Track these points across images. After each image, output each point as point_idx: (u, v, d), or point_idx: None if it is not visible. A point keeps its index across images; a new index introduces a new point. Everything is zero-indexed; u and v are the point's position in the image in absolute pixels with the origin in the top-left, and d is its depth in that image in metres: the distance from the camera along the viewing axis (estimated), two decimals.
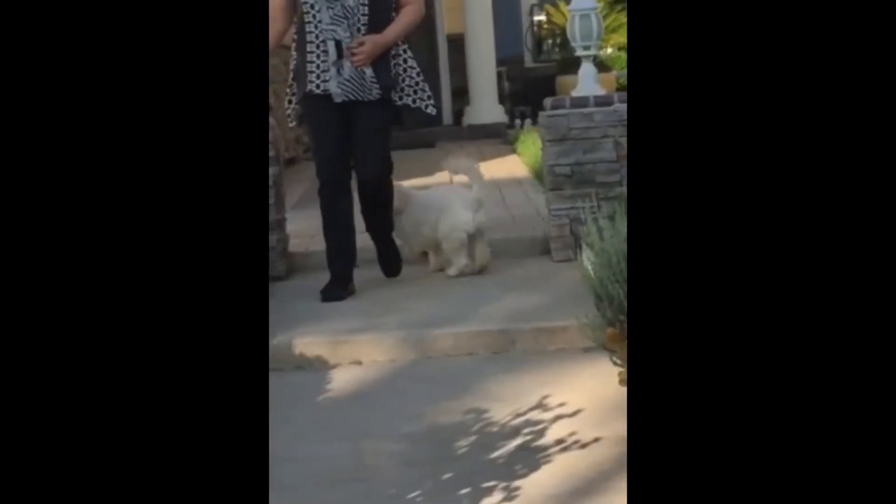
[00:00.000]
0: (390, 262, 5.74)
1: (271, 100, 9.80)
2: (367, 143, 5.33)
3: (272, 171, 5.91)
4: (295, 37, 5.42)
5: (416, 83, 5.41)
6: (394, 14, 5.34)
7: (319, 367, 4.64)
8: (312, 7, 5.24)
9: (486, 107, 12.41)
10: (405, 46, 5.41)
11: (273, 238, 5.87)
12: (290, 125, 5.76)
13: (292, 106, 5.50)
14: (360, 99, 5.25)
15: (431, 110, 5.51)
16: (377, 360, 4.66)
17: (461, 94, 12.84)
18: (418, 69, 5.43)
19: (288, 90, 5.51)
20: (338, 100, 5.25)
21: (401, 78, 5.38)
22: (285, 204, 6.29)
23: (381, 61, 5.28)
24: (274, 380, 4.48)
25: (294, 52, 5.44)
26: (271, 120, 6.16)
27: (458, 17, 12.71)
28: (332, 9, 5.21)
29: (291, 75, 5.46)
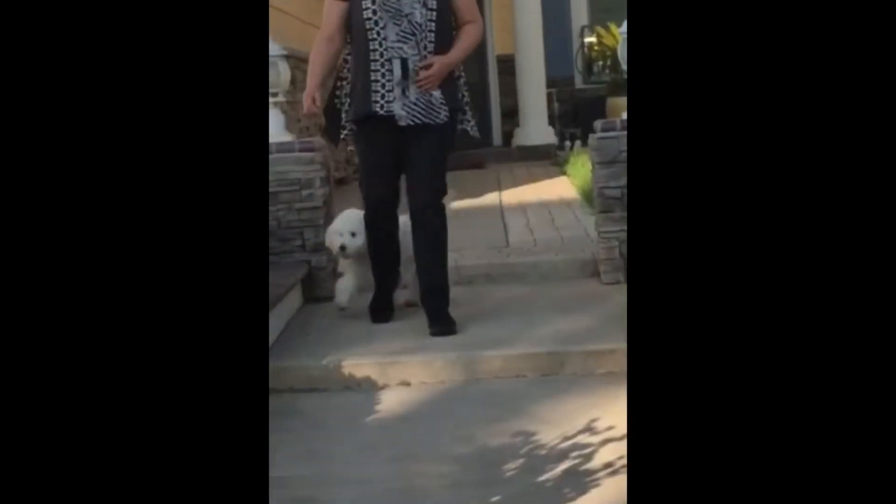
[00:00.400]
0: (438, 318, 5.10)
1: (323, 120, 9.89)
2: (428, 168, 5.02)
3: (322, 192, 5.95)
4: (348, 56, 5.13)
5: (467, 105, 5.21)
6: (454, 32, 5.09)
7: (368, 387, 4.64)
8: (376, 24, 4.92)
9: (536, 128, 12.43)
10: (462, 68, 5.18)
11: (322, 258, 5.89)
12: (348, 147, 5.46)
13: (347, 129, 5.17)
14: (427, 122, 4.96)
15: (475, 133, 5.25)
16: (426, 382, 4.66)
17: (511, 116, 12.88)
18: (468, 96, 5.22)
19: (344, 113, 5.16)
20: (403, 123, 4.94)
21: (464, 108, 5.15)
22: None
23: (449, 83, 5.03)
24: (322, 400, 4.54)
25: (346, 72, 5.14)
26: (321, 141, 6.21)
27: (509, 38, 12.74)
28: (399, 25, 4.90)
29: (346, 95, 5.14)
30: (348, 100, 5.11)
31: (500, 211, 8.15)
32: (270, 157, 5.74)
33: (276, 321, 5.14)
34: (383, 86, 4.94)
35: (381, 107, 4.94)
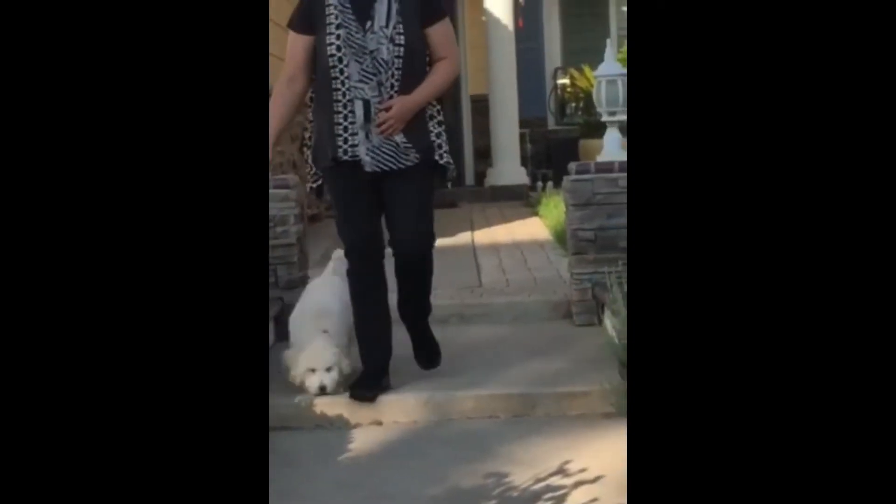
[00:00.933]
0: (429, 353, 5.02)
1: (295, 157, 9.90)
2: (405, 212, 4.62)
3: (296, 229, 5.95)
4: (312, 95, 4.73)
5: (440, 146, 4.70)
6: (428, 69, 4.65)
7: (340, 426, 4.62)
8: (340, 61, 4.49)
9: (509, 168, 12.46)
10: (439, 107, 4.72)
11: (296, 295, 5.87)
12: (308, 193, 5.01)
13: (312, 174, 4.79)
14: (395, 167, 4.56)
15: (450, 174, 4.76)
16: (398, 421, 4.65)
17: (484, 156, 12.90)
18: (445, 136, 4.73)
19: (308, 162, 4.84)
20: (368, 168, 4.53)
21: (436, 143, 4.67)
22: (308, 261, 6.31)
23: (417, 123, 4.59)
24: (294, 439, 4.51)
25: (311, 115, 4.76)
26: (295, 177, 6.21)
27: (483, 78, 12.78)
28: (361, 63, 4.48)
29: (310, 141, 4.79)
30: (311, 144, 4.76)
31: (472, 251, 8.16)
32: None
33: None
34: (346, 129, 4.53)
35: (345, 151, 4.54)
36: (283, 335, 5.82)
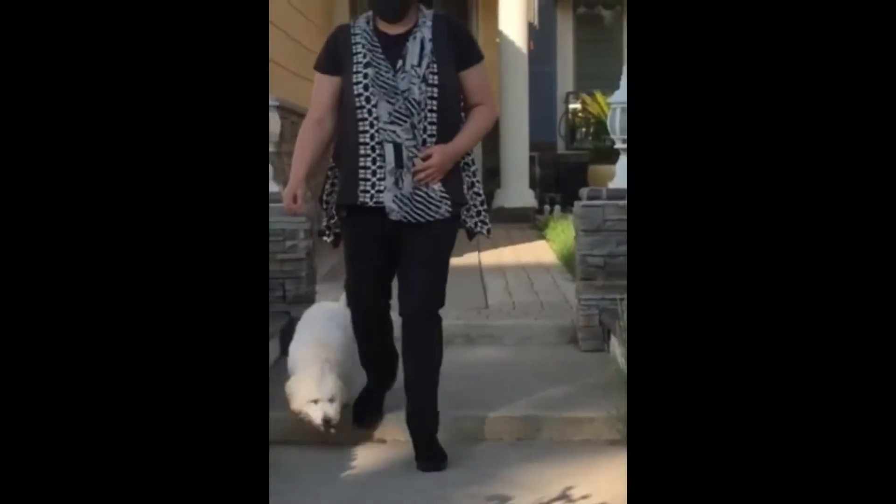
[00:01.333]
0: (427, 448, 4.41)
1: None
2: (423, 270, 4.32)
3: (305, 244, 5.95)
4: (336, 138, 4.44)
5: (477, 200, 4.48)
6: (462, 114, 4.39)
7: (342, 443, 4.62)
8: (368, 101, 4.20)
9: (517, 191, 12.48)
10: (472, 157, 4.45)
11: (303, 310, 5.86)
12: (327, 240, 4.62)
13: (332, 221, 4.50)
14: (424, 219, 4.24)
15: (486, 231, 4.53)
16: (401, 440, 4.64)
17: (492, 177, 12.92)
18: (480, 186, 4.51)
19: (324, 206, 4.53)
20: (394, 217, 4.20)
21: (466, 195, 4.40)
22: (316, 276, 6.32)
23: (453, 173, 4.31)
24: (296, 454, 4.49)
25: (331, 160, 4.48)
26: (306, 192, 6.21)
27: (494, 100, 12.81)
28: (393, 103, 4.18)
29: (330, 185, 4.48)
30: (336, 190, 4.44)
31: (479, 272, 8.16)
32: None
33: None
34: (374, 173, 4.22)
35: (371, 197, 4.22)
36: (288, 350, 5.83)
